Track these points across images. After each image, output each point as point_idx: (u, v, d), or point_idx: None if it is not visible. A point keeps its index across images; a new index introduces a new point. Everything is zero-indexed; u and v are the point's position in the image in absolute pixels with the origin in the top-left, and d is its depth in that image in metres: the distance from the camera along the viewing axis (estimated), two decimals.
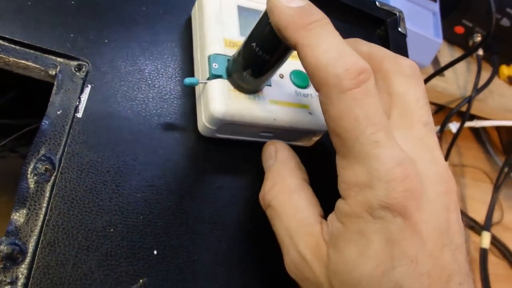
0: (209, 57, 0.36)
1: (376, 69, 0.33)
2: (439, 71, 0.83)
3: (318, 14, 0.30)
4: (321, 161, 0.41)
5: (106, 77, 0.36)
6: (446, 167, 0.31)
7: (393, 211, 0.27)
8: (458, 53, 0.84)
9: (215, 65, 0.35)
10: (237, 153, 0.38)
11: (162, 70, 0.38)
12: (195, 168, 0.36)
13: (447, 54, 0.93)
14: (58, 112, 0.33)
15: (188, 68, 0.39)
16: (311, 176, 0.35)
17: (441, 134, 0.91)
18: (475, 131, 1.13)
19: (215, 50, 0.36)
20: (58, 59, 0.35)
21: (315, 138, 0.40)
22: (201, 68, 0.37)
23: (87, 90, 0.35)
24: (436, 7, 0.85)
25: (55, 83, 0.34)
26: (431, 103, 0.92)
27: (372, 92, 0.29)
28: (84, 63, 0.36)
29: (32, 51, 0.35)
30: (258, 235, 0.36)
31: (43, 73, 0.35)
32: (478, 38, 0.93)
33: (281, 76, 0.37)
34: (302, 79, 0.38)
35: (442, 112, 0.94)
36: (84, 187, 0.32)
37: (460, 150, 1.09)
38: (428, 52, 0.82)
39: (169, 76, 0.38)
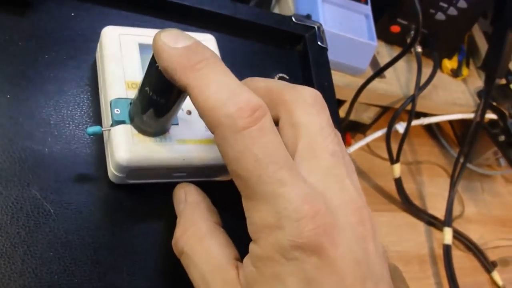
0: (110, 103, 0.34)
1: (277, 103, 0.32)
2: (378, 73, 0.83)
3: (206, 53, 0.29)
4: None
5: (11, 135, 0.35)
6: (357, 196, 0.30)
7: (306, 250, 0.26)
8: (397, 53, 0.84)
9: (117, 111, 0.34)
10: (152, 197, 0.37)
11: (69, 119, 0.37)
12: (109, 218, 0.35)
13: (386, 55, 0.93)
14: None
15: (96, 113, 0.38)
16: (232, 211, 0.34)
17: (388, 136, 0.91)
18: (427, 126, 1.14)
19: (116, 94, 0.35)
20: None
21: None
22: (105, 113, 0.36)
23: None
24: (368, 9, 0.85)
25: None
26: (375, 106, 0.93)
27: (270, 129, 0.28)
28: None
29: None
30: (179, 282, 0.34)
31: None
32: None
33: (189, 113, 0.36)
34: None
35: (388, 113, 0.94)
36: None
37: (414, 147, 1.09)
38: (364, 56, 0.82)
39: (76, 124, 0.37)
